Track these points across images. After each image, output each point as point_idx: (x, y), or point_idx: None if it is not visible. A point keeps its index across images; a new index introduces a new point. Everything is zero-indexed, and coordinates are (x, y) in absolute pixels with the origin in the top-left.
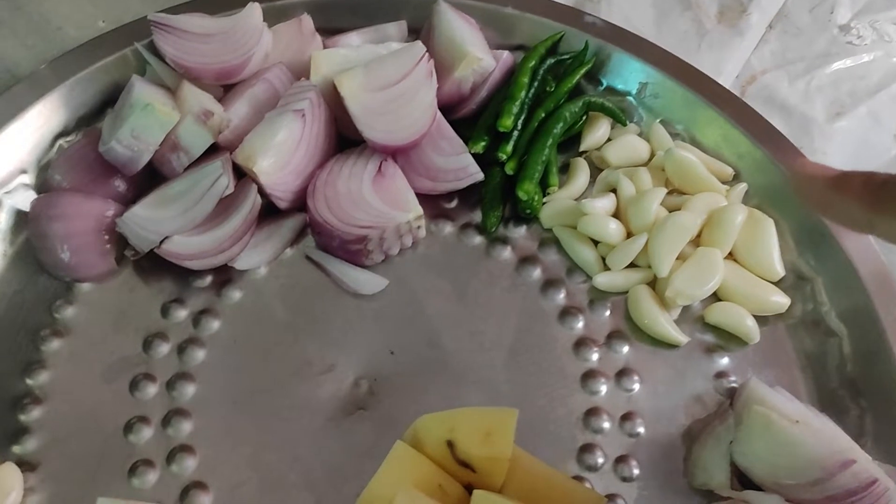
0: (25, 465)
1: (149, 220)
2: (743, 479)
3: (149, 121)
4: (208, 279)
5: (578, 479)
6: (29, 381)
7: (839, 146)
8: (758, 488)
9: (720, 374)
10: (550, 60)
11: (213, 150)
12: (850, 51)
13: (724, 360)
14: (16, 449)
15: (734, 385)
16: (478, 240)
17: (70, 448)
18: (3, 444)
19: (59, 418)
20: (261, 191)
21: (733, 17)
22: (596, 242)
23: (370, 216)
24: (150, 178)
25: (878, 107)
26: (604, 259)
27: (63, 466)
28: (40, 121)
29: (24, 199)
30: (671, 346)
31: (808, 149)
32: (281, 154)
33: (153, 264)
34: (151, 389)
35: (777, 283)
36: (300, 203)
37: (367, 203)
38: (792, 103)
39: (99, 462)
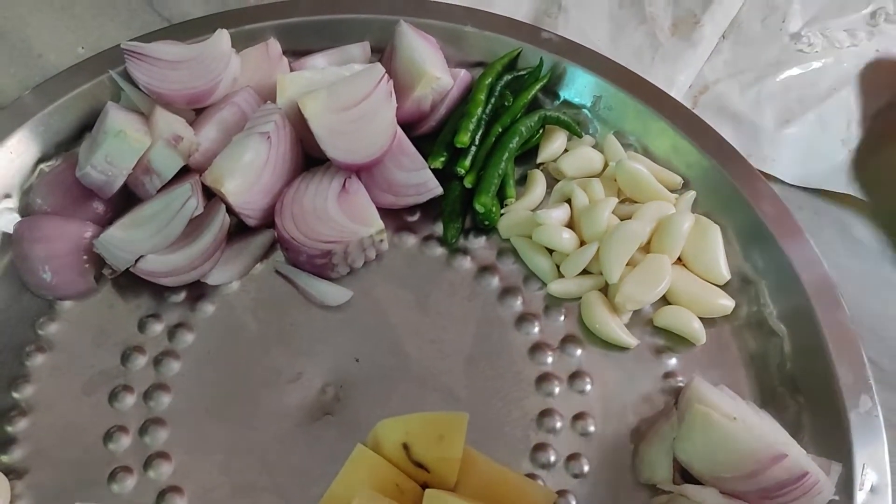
0: (12, 473)
1: (124, 240)
2: (685, 474)
3: (121, 147)
4: (182, 295)
5: (532, 476)
6: (15, 395)
7: (788, 152)
8: (698, 482)
9: (668, 375)
10: (508, 76)
11: (185, 172)
12: (801, 58)
13: (673, 361)
14: (3, 458)
15: (681, 385)
16: (439, 251)
17: (54, 457)
18: None
19: (44, 429)
20: (230, 209)
21: (687, 28)
22: (551, 251)
23: (334, 231)
24: (127, 199)
25: (827, 113)
26: (558, 267)
27: (47, 474)
28: (22, 147)
29: (8, 223)
30: (622, 348)
31: (756, 156)
32: (248, 175)
33: (130, 282)
34: (129, 400)
35: (723, 287)
36: (269, 220)
37: (331, 219)
38: (742, 112)
39: (81, 469)
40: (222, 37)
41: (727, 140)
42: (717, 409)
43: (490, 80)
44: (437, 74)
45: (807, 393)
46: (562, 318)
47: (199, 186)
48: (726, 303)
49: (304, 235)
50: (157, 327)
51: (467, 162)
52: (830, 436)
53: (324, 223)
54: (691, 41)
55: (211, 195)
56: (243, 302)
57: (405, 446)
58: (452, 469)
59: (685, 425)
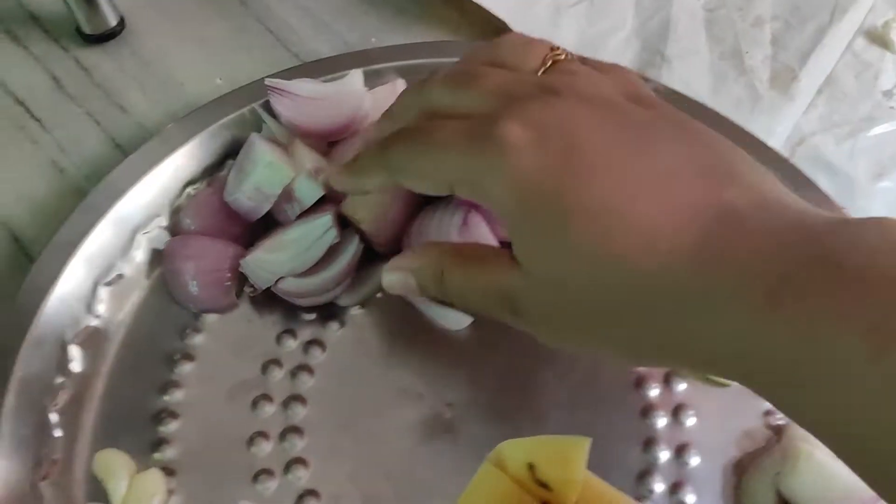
0: (166, 470)
1: (267, 261)
2: None
3: (271, 176)
4: (314, 314)
5: (639, 500)
6: (166, 398)
7: (880, 205)
8: None
9: (768, 413)
10: None
11: (319, 200)
12: (893, 115)
13: None
14: (157, 456)
15: (780, 423)
16: None
17: (202, 457)
18: (147, 452)
19: (192, 431)
20: (362, 236)
21: (785, 82)
22: None
23: None
24: (263, 222)
25: None
26: None
27: (197, 473)
28: (172, 171)
29: (159, 239)
30: (724, 385)
31: (851, 207)
32: (381, 206)
33: (265, 299)
34: (269, 409)
35: None
36: (395, 248)
37: None
38: (837, 164)
39: (227, 470)
40: (357, 76)
41: (824, 191)
42: (820, 447)
43: None
44: None
45: None
46: None
47: (337, 217)
48: None
49: None
50: (292, 343)
51: None
52: None
53: None
54: (789, 94)
55: (345, 224)
56: (369, 323)
57: (530, 466)
58: (574, 490)
59: (789, 462)
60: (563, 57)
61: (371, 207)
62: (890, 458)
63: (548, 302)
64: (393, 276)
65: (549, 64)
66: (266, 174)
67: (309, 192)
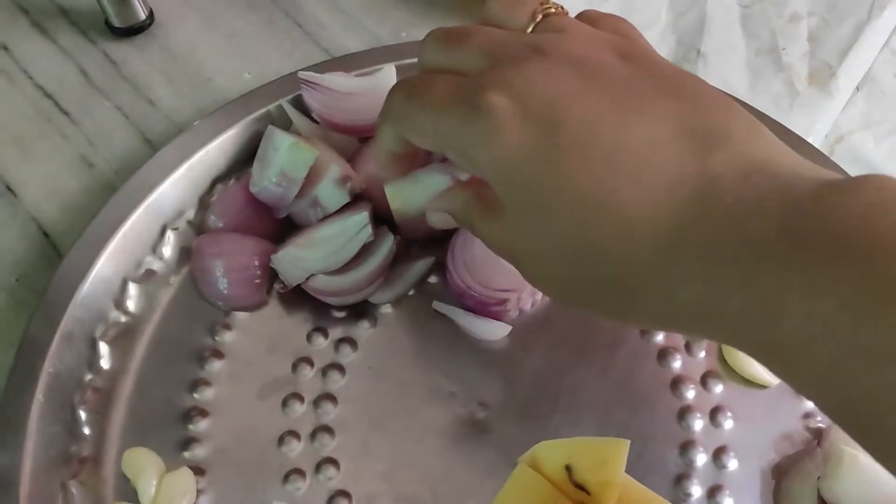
0: (195, 469)
1: (300, 258)
2: None
3: (295, 157)
4: (345, 312)
5: None
6: (196, 396)
7: None
8: None
9: (808, 415)
10: None
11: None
12: None
13: (812, 402)
14: (187, 455)
15: (821, 425)
16: None
17: (232, 456)
18: (176, 451)
19: (222, 430)
20: (395, 230)
21: (823, 79)
22: None
23: (509, 280)
24: (290, 223)
25: None
26: None
27: (227, 472)
28: (202, 167)
29: (187, 236)
30: (762, 386)
31: None
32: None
33: (295, 297)
34: (299, 408)
35: None
36: (426, 240)
37: (503, 266)
38: (877, 162)
39: (257, 469)
40: (391, 71)
41: None
42: (863, 450)
43: None
44: None
45: None
46: (702, 354)
47: (372, 215)
48: None
49: (479, 284)
50: (323, 341)
51: None
52: None
53: (499, 273)
54: (828, 91)
55: (379, 222)
56: (401, 321)
57: (568, 468)
58: (613, 493)
59: (831, 466)
60: (553, 10)
61: (414, 203)
62: (845, 412)
63: (536, 268)
64: (435, 217)
65: (539, 19)
66: (290, 157)
67: (334, 197)
